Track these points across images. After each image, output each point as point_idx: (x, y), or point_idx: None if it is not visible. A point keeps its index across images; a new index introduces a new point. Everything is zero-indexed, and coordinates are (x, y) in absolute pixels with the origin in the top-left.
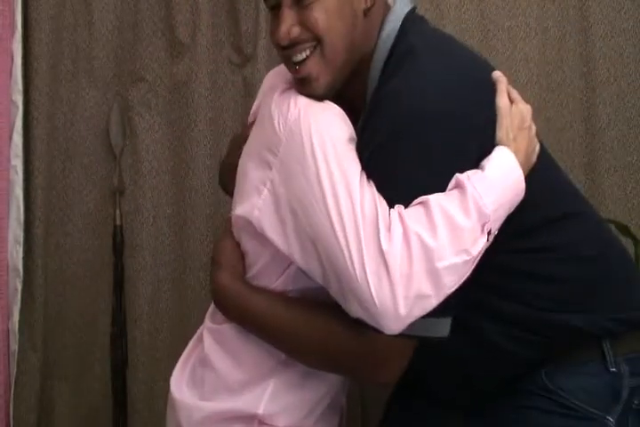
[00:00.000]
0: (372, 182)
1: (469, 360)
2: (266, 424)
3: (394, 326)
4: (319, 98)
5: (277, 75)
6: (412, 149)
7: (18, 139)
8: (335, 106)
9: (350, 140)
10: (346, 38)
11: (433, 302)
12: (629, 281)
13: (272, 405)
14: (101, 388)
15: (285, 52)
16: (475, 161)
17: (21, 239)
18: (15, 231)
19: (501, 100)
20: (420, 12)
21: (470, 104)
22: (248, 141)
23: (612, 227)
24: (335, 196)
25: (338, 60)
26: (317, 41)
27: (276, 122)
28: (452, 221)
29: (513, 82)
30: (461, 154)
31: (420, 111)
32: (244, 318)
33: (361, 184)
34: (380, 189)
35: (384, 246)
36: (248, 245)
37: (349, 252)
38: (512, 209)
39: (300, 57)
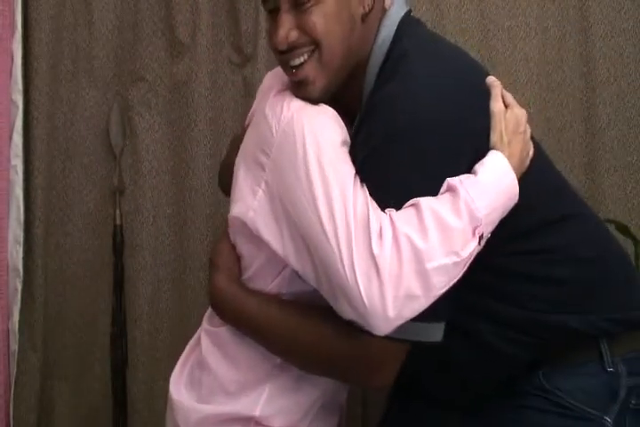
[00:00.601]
0: (364, 185)
1: (466, 364)
2: (262, 425)
3: (383, 326)
4: (315, 101)
5: (275, 76)
6: (406, 153)
7: (18, 139)
8: (329, 109)
9: (344, 142)
10: (343, 43)
11: (422, 303)
12: (628, 283)
13: (268, 408)
14: (101, 388)
15: (283, 56)
16: (469, 165)
17: (21, 239)
18: (15, 231)
19: (496, 105)
20: (420, 12)
21: (465, 109)
22: (243, 142)
23: (612, 227)
24: (327, 197)
25: (335, 64)
26: (315, 45)
27: (269, 123)
28: (442, 222)
29: (513, 82)
30: (456, 158)
31: (415, 115)
32: (239, 321)
33: (354, 186)
34: (374, 193)
35: (374, 248)
36: (243, 247)
37: (340, 252)
38: (505, 213)
39: (297, 61)
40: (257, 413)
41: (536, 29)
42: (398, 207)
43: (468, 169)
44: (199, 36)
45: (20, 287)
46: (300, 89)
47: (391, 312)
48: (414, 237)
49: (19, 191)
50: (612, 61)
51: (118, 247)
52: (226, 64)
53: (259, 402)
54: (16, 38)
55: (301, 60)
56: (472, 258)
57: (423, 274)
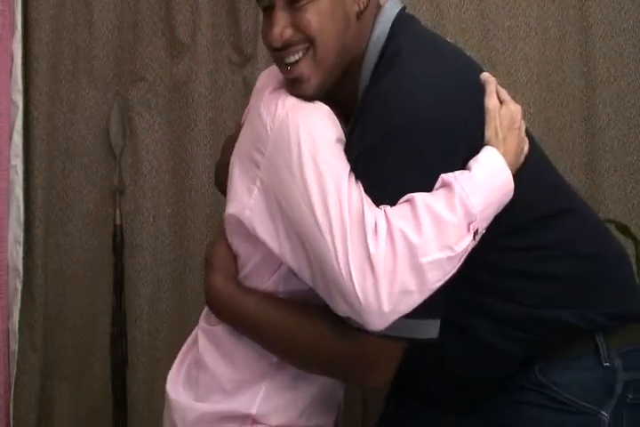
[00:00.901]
0: (359, 183)
1: (462, 360)
2: (260, 423)
3: (378, 322)
4: (309, 98)
5: (270, 75)
6: (403, 151)
7: (18, 139)
8: (324, 106)
9: (338, 140)
10: (338, 40)
11: (417, 298)
12: (627, 282)
13: (265, 406)
14: (101, 388)
15: (278, 53)
16: (463, 163)
17: (21, 239)
18: (15, 231)
19: (490, 101)
20: (420, 12)
21: (465, 109)
22: (238, 141)
23: (612, 227)
24: (322, 193)
25: (329, 61)
26: (310, 43)
27: (263, 121)
28: (436, 217)
29: (513, 82)
30: (453, 158)
31: (412, 114)
32: (235, 320)
33: (349, 182)
34: (369, 190)
35: (369, 243)
36: (240, 246)
37: (335, 248)
38: (500, 209)
39: (292, 59)
40: (254, 411)
41: (536, 29)
42: (393, 205)
43: (462, 166)
44: (199, 36)
45: (20, 287)
46: (294, 87)
47: (386, 307)
48: (408, 231)
49: (19, 191)
50: (612, 61)
51: (118, 247)
52: (226, 64)
53: (256, 400)
54: (16, 38)
55: (296, 57)
56: (467, 253)
57: (418, 269)
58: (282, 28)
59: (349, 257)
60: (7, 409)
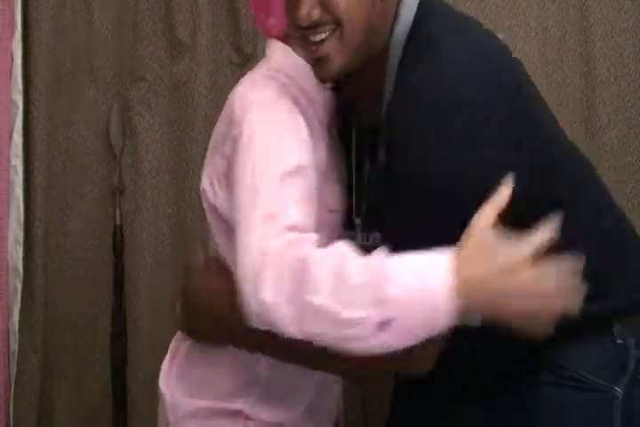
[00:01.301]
0: (300, 188)
1: (475, 353)
2: (252, 420)
3: (253, 319)
4: (332, 78)
5: (251, 72)
6: (432, 132)
7: (18, 139)
8: (291, 106)
9: (299, 137)
10: (365, 21)
11: (286, 328)
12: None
13: (258, 406)
14: (101, 388)
15: (304, 31)
16: (498, 150)
17: (21, 239)
18: (15, 231)
19: (476, 218)
20: None
21: (491, 90)
22: (213, 132)
23: None
24: (253, 188)
25: (355, 42)
26: (337, 24)
27: (228, 113)
28: (341, 270)
29: None
30: (479, 138)
31: (439, 94)
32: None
33: (281, 182)
34: (402, 173)
35: (264, 246)
36: (220, 240)
37: (242, 236)
38: (431, 323)
39: (318, 37)
40: (247, 408)
41: (536, 29)
42: (422, 189)
43: (499, 154)
44: (199, 36)
45: (19, 287)
46: (319, 66)
47: (258, 311)
48: (308, 259)
49: (19, 191)
50: (612, 61)
51: (118, 247)
52: (226, 64)
53: (248, 401)
54: (16, 38)
55: (322, 36)
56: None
57: (298, 301)
58: (309, 8)
59: (247, 244)
60: (7, 409)
